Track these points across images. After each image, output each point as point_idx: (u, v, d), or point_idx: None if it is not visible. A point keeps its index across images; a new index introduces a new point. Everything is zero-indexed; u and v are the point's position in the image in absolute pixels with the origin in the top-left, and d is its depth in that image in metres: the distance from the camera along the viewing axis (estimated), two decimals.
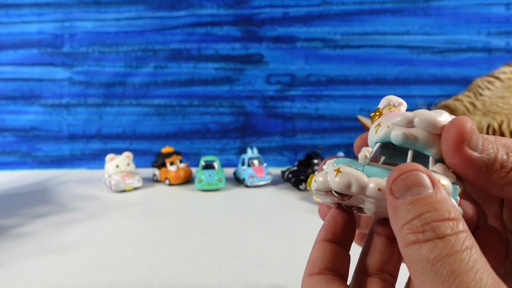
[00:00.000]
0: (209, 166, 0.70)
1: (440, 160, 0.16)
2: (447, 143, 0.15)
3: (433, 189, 0.13)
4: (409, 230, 0.13)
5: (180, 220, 0.51)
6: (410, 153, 0.16)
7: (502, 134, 0.57)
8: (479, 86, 0.66)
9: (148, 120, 0.90)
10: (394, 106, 0.18)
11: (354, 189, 0.15)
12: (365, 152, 0.17)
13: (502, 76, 0.64)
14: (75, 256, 0.40)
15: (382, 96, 0.20)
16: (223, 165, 0.84)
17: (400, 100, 0.19)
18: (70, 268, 0.37)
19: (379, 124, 0.17)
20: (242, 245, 0.42)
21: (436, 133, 0.16)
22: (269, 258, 0.38)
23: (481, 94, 0.64)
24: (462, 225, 0.12)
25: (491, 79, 0.65)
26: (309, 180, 0.18)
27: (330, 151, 0.88)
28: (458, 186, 0.15)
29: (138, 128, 0.91)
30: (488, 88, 0.64)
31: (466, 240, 0.12)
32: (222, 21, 0.87)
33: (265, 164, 0.72)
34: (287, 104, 0.88)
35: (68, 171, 0.88)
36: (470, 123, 0.15)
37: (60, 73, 0.89)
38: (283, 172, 0.72)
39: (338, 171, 0.16)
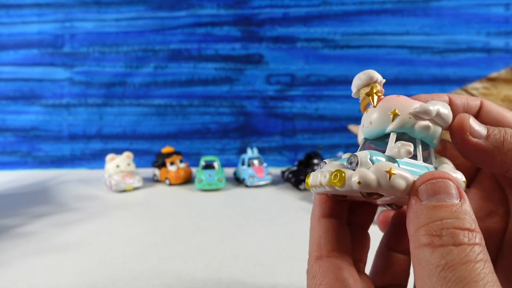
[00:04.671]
0: (209, 166, 0.70)
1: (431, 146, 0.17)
2: (455, 139, 0.17)
3: (460, 200, 0.13)
4: (425, 232, 0.13)
5: (180, 220, 0.52)
6: (393, 136, 0.16)
7: None
8: None
9: (148, 120, 0.90)
10: (378, 83, 0.18)
11: (404, 193, 0.14)
12: (408, 147, 0.15)
13: (474, 92, 0.64)
14: (75, 256, 0.40)
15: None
16: (223, 165, 0.84)
17: (381, 78, 0.18)
18: (71, 268, 0.37)
19: (395, 111, 0.16)
20: (242, 245, 0.42)
21: (445, 128, 0.17)
22: (269, 258, 0.39)
23: None
24: (480, 239, 0.12)
25: (464, 94, 0.66)
26: (335, 176, 0.15)
27: (330, 151, 0.88)
28: (464, 180, 0.16)
29: (138, 128, 0.91)
30: None
31: (481, 254, 0.12)
32: (222, 21, 0.87)
33: (265, 164, 0.72)
34: (287, 104, 0.89)
35: (68, 171, 0.88)
36: (467, 117, 0.16)
37: (61, 73, 0.89)
38: (283, 172, 0.72)
39: (391, 173, 0.14)
